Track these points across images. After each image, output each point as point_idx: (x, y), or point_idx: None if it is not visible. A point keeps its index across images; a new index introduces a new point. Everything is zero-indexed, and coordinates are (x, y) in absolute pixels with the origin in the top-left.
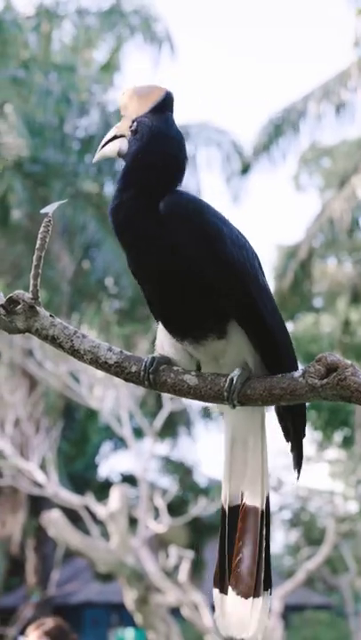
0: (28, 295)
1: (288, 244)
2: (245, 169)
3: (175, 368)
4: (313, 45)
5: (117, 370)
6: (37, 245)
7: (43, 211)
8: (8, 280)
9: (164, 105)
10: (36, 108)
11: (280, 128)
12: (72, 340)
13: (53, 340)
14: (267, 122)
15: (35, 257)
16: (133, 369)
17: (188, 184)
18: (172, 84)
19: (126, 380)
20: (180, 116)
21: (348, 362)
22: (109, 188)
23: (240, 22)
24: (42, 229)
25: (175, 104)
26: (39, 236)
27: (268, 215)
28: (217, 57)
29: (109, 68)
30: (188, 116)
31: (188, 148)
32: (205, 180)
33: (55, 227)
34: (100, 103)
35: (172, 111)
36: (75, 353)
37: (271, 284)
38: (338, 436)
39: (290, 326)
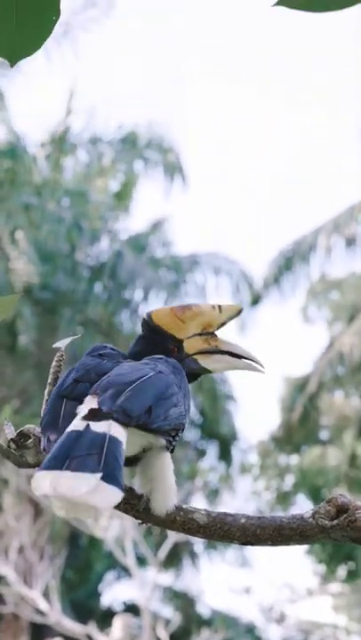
0: (38, 429)
1: (296, 375)
2: (255, 300)
3: (185, 506)
4: (325, 179)
5: (127, 507)
6: (49, 380)
7: (55, 345)
8: (16, 405)
9: None
10: (48, 235)
11: (290, 260)
12: None
13: None
14: (277, 254)
15: (46, 391)
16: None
17: None
18: (183, 211)
19: (136, 517)
20: (191, 245)
21: (360, 503)
22: (119, 317)
23: (252, 153)
24: (54, 364)
25: None
26: (51, 370)
27: (276, 346)
28: (229, 186)
29: (122, 196)
30: (198, 244)
31: (198, 276)
32: None
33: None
34: (112, 231)
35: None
36: None
37: (278, 416)
38: (342, 570)
39: (296, 458)
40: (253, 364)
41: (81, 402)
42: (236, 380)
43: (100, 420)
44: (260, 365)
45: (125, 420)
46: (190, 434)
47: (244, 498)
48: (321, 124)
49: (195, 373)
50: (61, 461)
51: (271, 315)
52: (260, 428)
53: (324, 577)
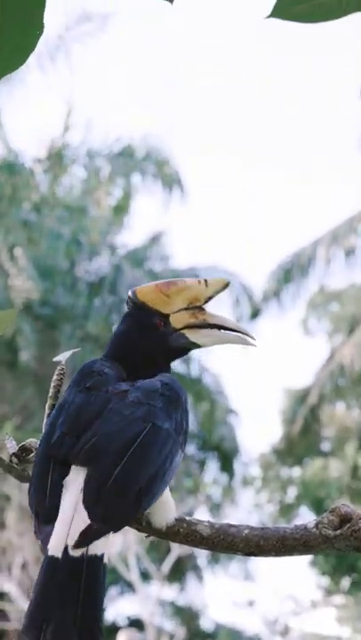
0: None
1: (296, 387)
2: (255, 313)
3: (188, 518)
4: (324, 189)
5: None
6: (50, 394)
7: (56, 359)
8: (18, 422)
9: None
10: (47, 251)
11: (290, 273)
12: None
13: None
14: (276, 267)
15: (47, 405)
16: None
17: None
18: (182, 224)
19: (139, 530)
20: (190, 258)
21: None
22: None
23: (249, 165)
24: (55, 378)
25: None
26: (52, 384)
27: (277, 358)
28: (228, 198)
29: (120, 210)
30: (197, 257)
31: None
32: None
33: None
34: (111, 246)
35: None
36: None
37: (279, 428)
38: (346, 581)
39: (298, 471)
40: (244, 336)
41: (68, 466)
42: (237, 393)
43: (83, 545)
44: (251, 338)
45: (112, 530)
46: (192, 448)
47: (247, 510)
48: (321, 131)
49: (184, 348)
50: (38, 624)
51: (271, 327)
52: (261, 441)
53: (328, 589)
